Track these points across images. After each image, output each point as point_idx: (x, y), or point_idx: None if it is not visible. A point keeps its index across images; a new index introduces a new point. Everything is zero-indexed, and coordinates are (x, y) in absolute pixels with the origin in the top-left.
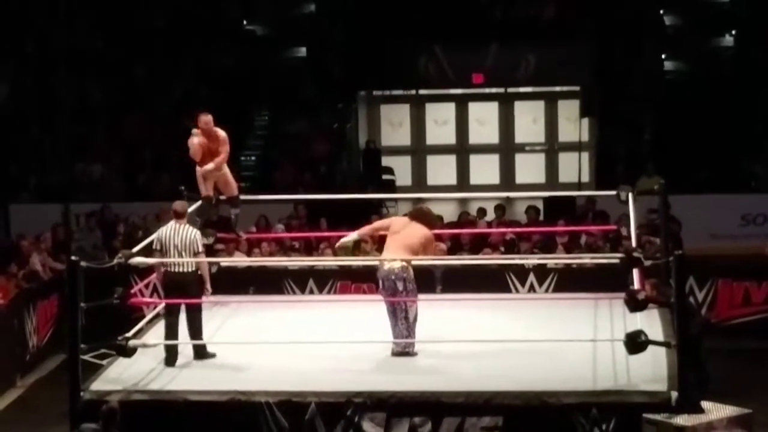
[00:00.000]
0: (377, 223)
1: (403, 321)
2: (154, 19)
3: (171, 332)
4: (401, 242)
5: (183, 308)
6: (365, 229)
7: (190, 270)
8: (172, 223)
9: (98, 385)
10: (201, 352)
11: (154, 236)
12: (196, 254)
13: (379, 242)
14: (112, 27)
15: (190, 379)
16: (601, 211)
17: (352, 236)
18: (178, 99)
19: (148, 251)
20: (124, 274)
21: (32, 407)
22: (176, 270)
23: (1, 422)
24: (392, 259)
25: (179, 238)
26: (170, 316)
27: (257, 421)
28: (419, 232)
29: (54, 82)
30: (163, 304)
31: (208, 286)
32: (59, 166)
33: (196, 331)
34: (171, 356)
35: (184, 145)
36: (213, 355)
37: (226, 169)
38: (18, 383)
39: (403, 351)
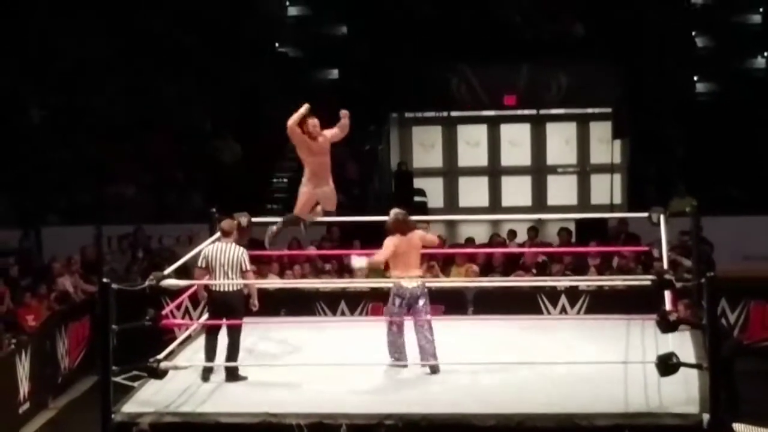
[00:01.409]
0: (389, 253)
1: (429, 336)
2: (185, 39)
3: (211, 352)
4: (415, 258)
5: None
6: (385, 254)
7: (235, 289)
8: (218, 242)
9: (130, 407)
10: (234, 374)
11: (201, 253)
12: (243, 272)
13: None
14: (142, 46)
15: (222, 400)
16: (632, 234)
17: (381, 256)
18: (207, 119)
19: (179, 273)
20: (156, 295)
21: (64, 429)
22: (222, 289)
23: None
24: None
25: (225, 258)
26: (211, 335)
27: None
28: (418, 242)
29: (82, 102)
30: (194, 326)
31: (255, 301)
32: (88, 187)
33: (233, 351)
34: (208, 373)
35: (213, 165)
36: (245, 378)
37: (331, 184)
38: (50, 405)
39: (437, 366)
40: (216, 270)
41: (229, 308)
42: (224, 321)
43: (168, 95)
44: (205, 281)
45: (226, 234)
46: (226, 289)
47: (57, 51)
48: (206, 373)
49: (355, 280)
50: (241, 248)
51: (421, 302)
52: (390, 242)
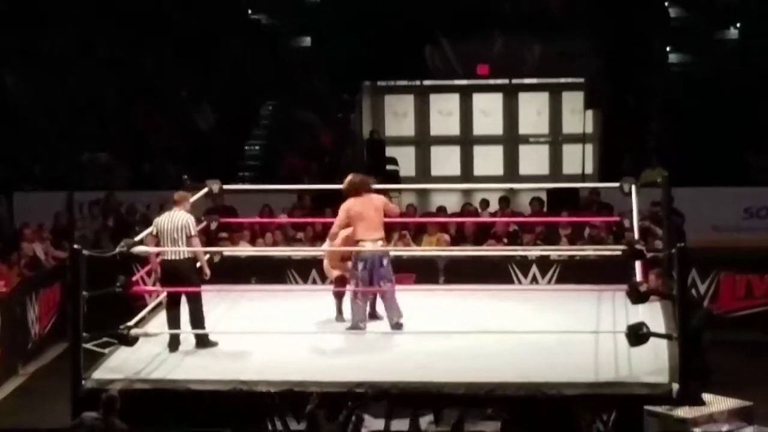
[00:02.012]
0: (344, 217)
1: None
2: (162, 8)
3: (173, 322)
4: (376, 221)
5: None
6: (341, 229)
7: (184, 257)
8: (168, 211)
9: (100, 373)
10: (203, 341)
11: (153, 221)
12: (189, 238)
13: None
14: (121, 18)
15: (193, 368)
16: (605, 203)
17: (335, 227)
18: (185, 89)
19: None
20: (127, 262)
21: (34, 396)
22: (171, 258)
23: (2, 411)
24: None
25: (172, 224)
26: (171, 305)
27: (259, 411)
28: (379, 204)
29: (62, 71)
30: (164, 294)
31: (207, 270)
32: (65, 155)
33: (197, 319)
34: (174, 344)
35: (190, 135)
36: (215, 344)
37: None
38: (20, 371)
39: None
40: (164, 237)
41: (179, 276)
42: (181, 289)
43: (145, 64)
44: (162, 248)
45: (175, 203)
46: (174, 256)
47: (37, 22)
48: (173, 345)
49: (322, 248)
50: (188, 214)
51: (384, 262)
52: (344, 206)
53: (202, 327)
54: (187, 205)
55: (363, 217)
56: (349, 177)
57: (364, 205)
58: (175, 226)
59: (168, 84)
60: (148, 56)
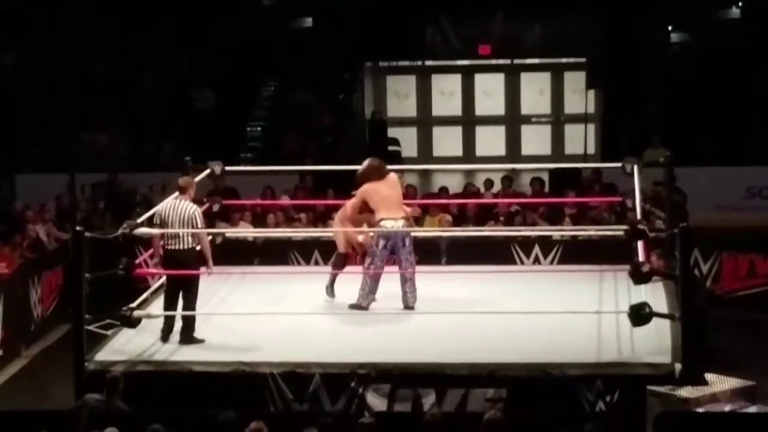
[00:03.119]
0: (360, 201)
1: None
2: None
3: (170, 310)
4: (397, 199)
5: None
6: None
7: (188, 247)
8: (172, 199)
9: (103, 355)
10: (189, 337)
11: (155, 210)
12: (196, 233)
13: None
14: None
15: (195, 349)
16: (608, 183)
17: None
18: (184, 68)
19: (152, 222)
20: (129, 244)
21: (37, 377)
22: (174, 247)
23: (5, 392)
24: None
25: (177, 215)
26: (168, 296)
27: (261, 392)
28: (397, 183)
29: (60, 52)
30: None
31: (210, 264)
32: (65, 137)
33: (188, 317)
34: (167, 335)
35: (191, 116)
36: (201, 341)
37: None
38: (23, 353)
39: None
40: (169, 227)
41: (182, 266)
42: (179, 272)
43: (146, 45)
44: (164, 230)
45: (181, 191)
46: (178, 246)
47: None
48: (165, 334)
49: (329, 229)
50: (195, 206)
51: (407, 242)
52: (365, 189)
53: (192, 323)
54: (192, 193)
55: (387, 199)
56: (368, 161)
57: (388, 186)
58: (180, 217)
59: (168, 64)
60: (147, 37)
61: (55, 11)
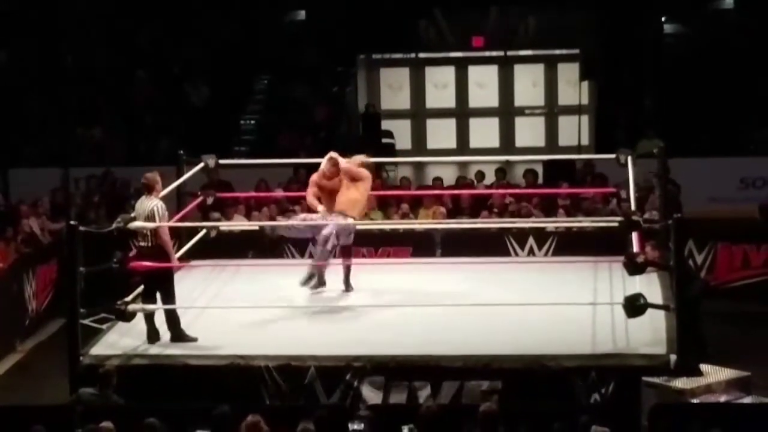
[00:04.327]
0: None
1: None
2: None
3: (149, 316)
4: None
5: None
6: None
7: (151, 244)
8: (142, 196)
9: (98, 349)
10: (179, 335)
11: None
12: (155, 228)
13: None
14: None
15: (190, 343)
16: (600, 174)
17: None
18: (179, 63)
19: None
20: (123, 238)
21: (31, 372)
22: (140, 243)
23: (0, 387)
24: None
25: (140, 212)
26: (146, 297)
27: (256, 385)
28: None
29: (56, 46)
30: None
31: (173, 260)
32: (60, 131)
33: (171, 316)
34: (153, 337)
35: (184, 110)
36: (194, 339)
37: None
38: (17, 348)
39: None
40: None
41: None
42: (169, 265)
43: (140, 40)
44: (163, 224)
45: (146, 189)
46: (143, 243)
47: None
48: (152, 337)
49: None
50: (156, 201)
51: (351, 238)
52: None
53: (176, 320)
54: (159, 188)
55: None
56: (362, 158)
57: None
58: (144, 215)
59: (161, 59)
60: (141, 31)
61: (51, 7)
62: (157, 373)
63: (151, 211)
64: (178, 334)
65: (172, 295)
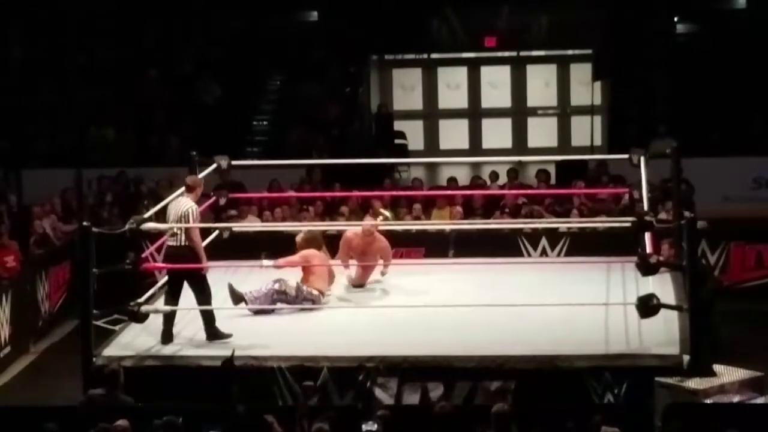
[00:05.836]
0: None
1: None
2: None
3: (168, 315)
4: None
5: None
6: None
7: (182, 244)
8: (176, 194)
9: (111, 350)
10: (214, 332)
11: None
12: (186, 229)
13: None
14: None
15: (203, 344)
16: (615, 175)
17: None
18: (190, 62)
19: (159, 217)
20: (136, 239)
21: (45, 373)
22: (170, 243)
23: (14, 388)
24: None
25: (174, 210)
26: (169, 295)
27: (270, 386)
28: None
29: (66, 44)
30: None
31: (203, 261)
32: (71, 131)
33: (207, 311)
34: (167, 338)
35: (194, 108)
36: (228, 336)
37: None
38: (31, 349)
39: None
40: (168, 221)
41: (178, 263)
42: (186, 266)
43: (151, 39)
44: (170, 225)
45: (188, 189)
46: (174, 243)
47: None
48: (166, 338)
49: (336, 223)
50: (191, 204)
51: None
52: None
53: (212, 320)
54: (198, 192)
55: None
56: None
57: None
58: (177, 215)
59: (174, 58)
60: (152, 30)
61: (62, 4)
62: (170, 374)
63: (185, 212)
64: (214, 332)
65: (208, 294)
